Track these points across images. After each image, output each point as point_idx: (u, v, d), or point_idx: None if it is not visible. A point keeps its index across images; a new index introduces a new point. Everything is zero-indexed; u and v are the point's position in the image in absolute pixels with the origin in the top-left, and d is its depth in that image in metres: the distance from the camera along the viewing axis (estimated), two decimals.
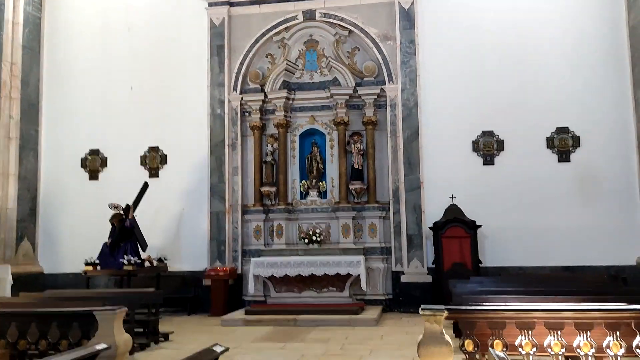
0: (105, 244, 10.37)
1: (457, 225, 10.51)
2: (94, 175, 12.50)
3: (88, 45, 12.75)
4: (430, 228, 10.92)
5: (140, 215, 11.24)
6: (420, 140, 11.24)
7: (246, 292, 11.31)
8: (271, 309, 10.25)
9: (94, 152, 12.54)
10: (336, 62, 11.68)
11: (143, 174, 12.11)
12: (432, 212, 10.99)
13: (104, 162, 12.51)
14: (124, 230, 10.35)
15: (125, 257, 9.90)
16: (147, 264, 10.78)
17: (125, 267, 9.84)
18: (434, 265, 10.86)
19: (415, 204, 11.12)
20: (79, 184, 12.50)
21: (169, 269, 11.46)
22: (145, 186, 11.02)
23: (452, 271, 10.33)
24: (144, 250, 10.99)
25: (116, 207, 10.48)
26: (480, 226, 10.50)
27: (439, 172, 11.17)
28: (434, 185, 11.14)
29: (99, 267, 10.16)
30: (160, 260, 11.05)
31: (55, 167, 12.56)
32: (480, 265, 10.53)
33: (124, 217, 10.45)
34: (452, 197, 10.83)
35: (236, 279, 11.49)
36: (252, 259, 10.99)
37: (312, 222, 11.57)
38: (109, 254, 10.21)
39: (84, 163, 12.56)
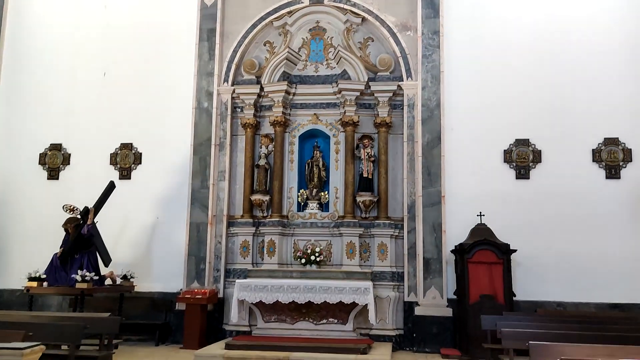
0: (55, 255, 8.41)
1: (486, 248, 8.71)
2: (53, 174, 10.60)
3: (57, 23, 10.99)
4: (452, 251, 9.14)
5: (106, 224, 9.41)
6: (442, 147, 9.52)
7: (228, 320, 9.38)
8: (258, 343, 8.30)
9: (56, 147, 10.65)
10: (346, 51, 9.98)
11: (113, 175, 10.24)
12: (455, 232, 9.22)
13: (66, 159, 10.62)
14: (80, 239, 8.41)
15: (79, 271, 7.94)
16: (108, 281, 8.86)
17: (78, 285, 7.88)
18: (455, 297, 9.05)
19: (434, 222, 9.33)
20: (36, 184, 10.60)
21: (137, 289, 9.59)
22: (111, 186, 9.13)
23: (480, 305, 8.51)
24: (106, 265, 9.09)
25: (72, 210, 8.58)
26: (514, 250, 8.71)
27: (463, 186, 9.45)
28: (458, 201, 9.39)
29: (45, 284, 8.20)
30: (125, 277, 9.12)
31: (9, 163, 10.68)
32: (513, 298, 8.71)
33: (81, 222, 8.51)
34: (481, 215, 9.07)
35: (216, 303, 9.57)
36: (237, 281, 9.08)
37: (310, 239, 9.73)
38: (60, 267, 8.26)
39: (42, 159, 10.67)
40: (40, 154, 10.68)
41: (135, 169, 10.40)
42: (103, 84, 10.60)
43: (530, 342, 4.84)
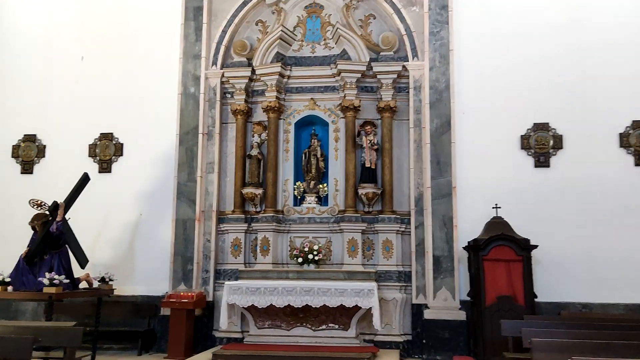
0: (22, 256, 7.53)
1: (504, 244, 7.81)
2: (27, 168, 9.73)
3: (30, 3, 10.09)
4: (464, 248, 8.26)
5: (84, 221, 8.59)
6: (452, 134, 8.64)
7: (218, 326, 8.51)
8: (249, 352, 7.44)
9: (30, 139, 9.78)
10: (345, 30, 9.09)
11: (92, 168, 9.36)
12: (467, 226, 8.33)
13: (41, 152, 9.75)
14: (49, 238, 7.52)
15: (46, 274, 7.06)
16: (83, 284, 7.98)
17: (45, 289, 6.99)
18: (469, 298, 8.17)
19: (444, 216, 8.45)
20: (8, 179, 9.74)
21: (118, 293, 8.69)
22: (85, 179, 8.22)
23: (497, 307, 7.62)
24: (82, 267, 8.18)
25: (39, 205, 7.69)
26: (535, 246, 7.82)
27: (476, 175, 8.57)
28: (470, 192, 8.52)
29: (11, 288, 7.33)
30: (103, 280, 8.23)
31: None
32: (534, 299, 7.82)
33: (49, 218, 7.63)
34: (497, 207, 8.18)
35: (205, 307, 8.71)
36: (226, 283, 8.21)
37: (308, 236, 8.86)
38: (28, 269, 7.38)
39: (15, 152, 9.80)
40: (13, 146, 9.80)
41: (116, 161, 9.53)
42: (81, 69, 9.71)
43: (573, 357, 3.94)
